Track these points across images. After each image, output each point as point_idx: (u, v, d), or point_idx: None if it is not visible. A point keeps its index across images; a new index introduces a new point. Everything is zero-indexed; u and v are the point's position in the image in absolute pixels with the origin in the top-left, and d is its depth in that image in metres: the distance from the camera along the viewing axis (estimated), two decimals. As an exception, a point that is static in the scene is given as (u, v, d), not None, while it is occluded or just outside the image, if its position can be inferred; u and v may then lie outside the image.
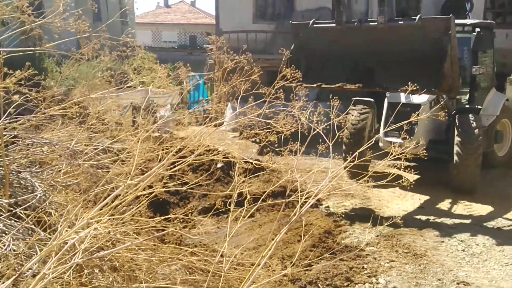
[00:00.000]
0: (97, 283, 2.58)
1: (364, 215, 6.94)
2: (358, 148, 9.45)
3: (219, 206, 5.03)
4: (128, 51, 4.85)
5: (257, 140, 4.63)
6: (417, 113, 4.42)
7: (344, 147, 8.60)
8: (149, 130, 6.08)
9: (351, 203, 7.63)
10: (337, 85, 7.11)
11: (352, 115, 8.79)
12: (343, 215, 7.02)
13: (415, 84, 5.67)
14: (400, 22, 6.86)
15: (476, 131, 7.83)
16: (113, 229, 2.64)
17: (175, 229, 3.52)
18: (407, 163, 3.75)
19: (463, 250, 5.45)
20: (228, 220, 7.05)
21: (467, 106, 8.70)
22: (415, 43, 6.57)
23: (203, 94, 15.68)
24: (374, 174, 3.74)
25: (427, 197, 8.03)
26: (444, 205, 7.63)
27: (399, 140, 8.44)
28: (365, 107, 8.89)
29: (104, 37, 3.86)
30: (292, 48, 7.97)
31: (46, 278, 2.20)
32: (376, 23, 6.88)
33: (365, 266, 5.02)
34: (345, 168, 4.02)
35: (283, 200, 6.19)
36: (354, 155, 3.80)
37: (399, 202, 7.77)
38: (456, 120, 8.10)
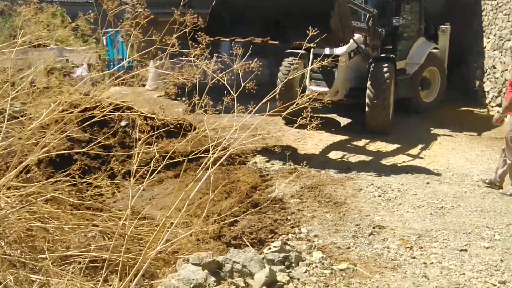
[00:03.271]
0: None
1: (289, 168, 7.09)
2: (289, 96, 9.83)
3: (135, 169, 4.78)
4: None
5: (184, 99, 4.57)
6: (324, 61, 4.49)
7: (277, 96, 8.96)
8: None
9: (277, 158, 7.71)
10: (247, 39, 7.27)
11: (284, 66, 9.29)
12: (270, 170, 7.13)
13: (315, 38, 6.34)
14: None
15: (386, 78, 8.32)
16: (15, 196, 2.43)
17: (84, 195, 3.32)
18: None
19: (380, 196, 5.74)
20: (153, 181, 6.86)
21: (382, 55, 9.11)
22: (312, 1, 6.99)
23: (122, 51, 14.88)
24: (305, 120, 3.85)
25: (349, 142, 8.58)
26: (362, 147, 8.24)
27: (321, 89, 8.96)
28: (296, 58, 9.24)
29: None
30: (214, 3, 7.90)
31: None
32: None
33: (289, 217, 5.13)
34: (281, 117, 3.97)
35: (200, 158, 6.25)
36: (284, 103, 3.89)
37: (324, 153, 8.01)
38: (371, 68, 8.59)
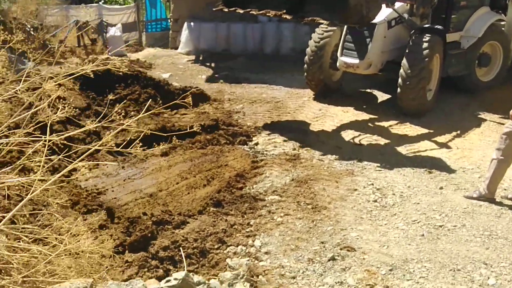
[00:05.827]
0: None
1: (291, 153, 6.29)
2: (318, 66, 8.99)
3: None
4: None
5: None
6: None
7: (305, 66, 8.56)
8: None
9: (283, 139, 6.90)
10: (261, 11, 6.77)
11: (317, 33, 8.61)
12: (268, 154, 6.37)
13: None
14: None
15: (425, 52, 7.33)
16: None
17: None
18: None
19: (375, 201, 4.81)
20: (133, 160, 6.32)
21: (427, 26, 7.83)
22: None
23: (160, 11, 14.36)
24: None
25: (374, 121, 7.63)
26: (386, 129, 7.34)
27: (352, 60, 7.97)
28: (331, 26, 8.52)
29: None
30: None
31: None
32: None
33: (252, 222, 4.41)
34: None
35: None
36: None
37: (338, 134, 7.08)
38: (410, 40, 7.45)
